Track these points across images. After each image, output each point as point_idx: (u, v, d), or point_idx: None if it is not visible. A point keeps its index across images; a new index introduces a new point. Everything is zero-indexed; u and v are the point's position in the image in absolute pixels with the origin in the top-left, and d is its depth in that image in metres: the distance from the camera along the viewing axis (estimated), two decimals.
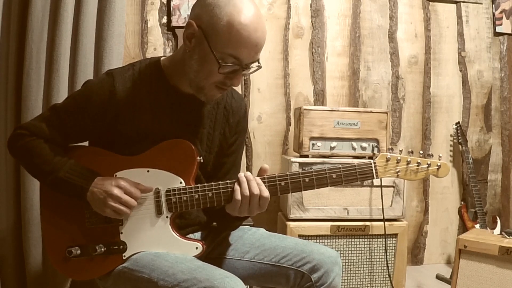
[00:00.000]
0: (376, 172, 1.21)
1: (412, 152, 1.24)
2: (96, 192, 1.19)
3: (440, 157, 1.24)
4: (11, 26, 1.92)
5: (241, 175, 1.18)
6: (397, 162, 1.22)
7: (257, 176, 1.20)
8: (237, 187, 1.17)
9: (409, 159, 1.22)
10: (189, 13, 1.22)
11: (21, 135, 1.27)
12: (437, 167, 1.23)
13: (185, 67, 1.20)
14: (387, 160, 1.22)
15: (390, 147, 1.26)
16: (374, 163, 1.21)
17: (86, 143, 1.36)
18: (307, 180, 1.20)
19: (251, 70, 1.18)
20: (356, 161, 1.24)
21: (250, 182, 1.16)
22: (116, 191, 1.18)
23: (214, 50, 1.11)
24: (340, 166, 1.20)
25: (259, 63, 1.18)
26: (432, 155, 1.23)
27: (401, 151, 1.24)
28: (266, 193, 1.17)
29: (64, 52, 1.91)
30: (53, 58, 1.90)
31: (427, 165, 1.22)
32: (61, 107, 1.28)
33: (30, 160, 1.26)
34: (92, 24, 1.98)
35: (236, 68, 1.15)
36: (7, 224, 1.95)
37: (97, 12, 1.99)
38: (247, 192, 1.15)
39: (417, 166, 1.22)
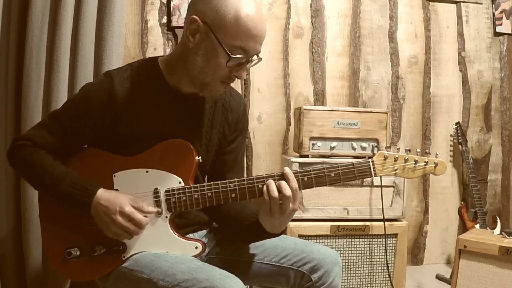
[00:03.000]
0: (374, 170, 1.22)
1: (409, 150, 1.25)
2: (100, 213, 1.18)
3: (437, 155, 1.25)
4: (11, 26, 1.92)
5: (287, 169, 1.18)
6: (395, 160, 1.22)
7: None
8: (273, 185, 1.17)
9: (406, 157, 1.23)
10: None
11: (21, 146, 1.24)
12: (434, 164, 1.23)
13: (187, 64, 1.20)
14: (385, 158, 1.22)
15: (387, 145, 1.26)
16: (372, 161, 1.22)
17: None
18: (305, 179, 1.20)
19: (254, 62, 1.20)
20: (355, 160, 1.24)
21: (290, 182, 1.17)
22: (120, 219, 1.17)
23: (223, 43, 1.13)
24: (339, 164, 1.21)
25: (259, 55, 1.20)
26: (430, 153, 1.24)
27: (398, 149, 1.24)
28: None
29: (64, 52, 1.91)
30: (53, 58, 1.90)
31: (424, 163, 1.23)
32: (61, 113, 1.26)
33: (32, 173, 1.25)
34: (92, 24, 1.97)
35: (242, 61, 1.16)
36: (7, 224, 1.95)
37: (97, 12, 1.99)
38: (288, 192, 1.16)
39: (415, 164, 1.23)
